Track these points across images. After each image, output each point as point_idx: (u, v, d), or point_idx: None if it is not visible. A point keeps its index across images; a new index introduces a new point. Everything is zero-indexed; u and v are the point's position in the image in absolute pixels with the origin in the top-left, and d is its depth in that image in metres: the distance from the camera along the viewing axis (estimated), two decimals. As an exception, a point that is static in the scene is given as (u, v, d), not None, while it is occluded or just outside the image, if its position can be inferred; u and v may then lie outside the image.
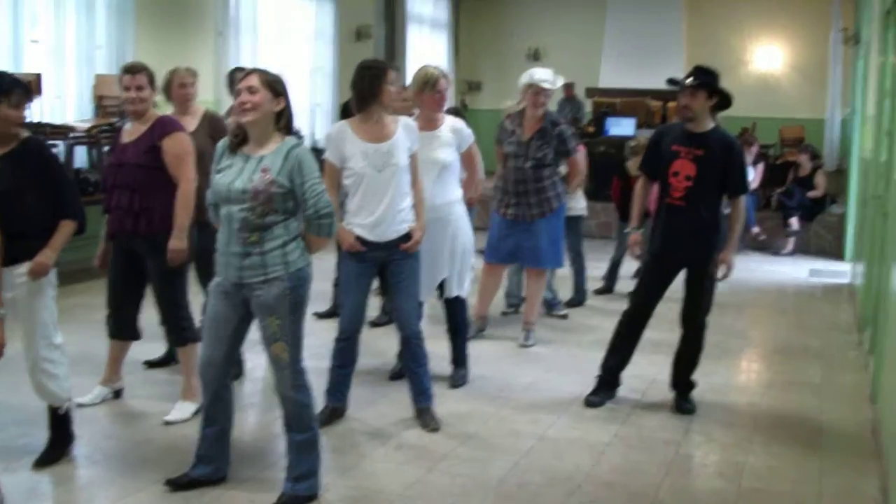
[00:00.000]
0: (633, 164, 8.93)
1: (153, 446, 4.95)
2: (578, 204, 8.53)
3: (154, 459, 4.75)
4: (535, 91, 6.77)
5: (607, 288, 9.23)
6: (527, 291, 7.39)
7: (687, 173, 5.48)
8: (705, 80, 5.49)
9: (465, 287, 6.06)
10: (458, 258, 5.96)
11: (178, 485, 4.36)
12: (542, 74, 6.85)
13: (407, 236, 5.16)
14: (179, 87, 5.99)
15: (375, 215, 5.06)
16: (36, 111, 8.86)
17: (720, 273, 5.63)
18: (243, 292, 4.14)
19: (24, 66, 9.06)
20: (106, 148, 8.62)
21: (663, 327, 6.25)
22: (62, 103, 9.66)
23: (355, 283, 5.24)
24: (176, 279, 5.33)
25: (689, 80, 5.47)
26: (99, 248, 5.46)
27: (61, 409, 4.69)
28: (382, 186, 5.04)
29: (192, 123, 5.85)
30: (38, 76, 8.87)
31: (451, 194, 5.91)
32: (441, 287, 5.99)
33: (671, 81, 5.68)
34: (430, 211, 5.63)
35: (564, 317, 8.10)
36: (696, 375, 5.84)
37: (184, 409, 5.35)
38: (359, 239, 5.09)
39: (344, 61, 14.56)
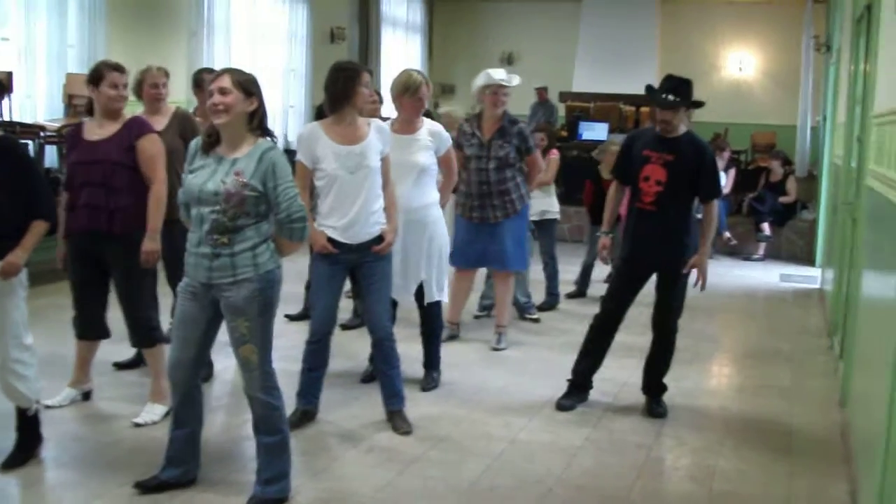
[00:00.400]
0: (604, 167, 8.98)
1: (122, 448, 4.90)
2: (552, 207, 8.55)
3: (123, 462, 4.70)
4: (494, 90, 6.77)
5: (580, 292, 9.26)
6: (496, 295, 7.40)
7: (657, 178, 5.50)
8: (686, 96, 5.50)
9: (444, 291, 6.07)
10: (436, 261, 5.96)
11: (147, 487, 4.32)
12: (499, 74, 6.84)
13: (379, 238, 5.15)
14: (151, 87, 5.95)
15: (348, 217, 5.05)
16: (6, 110, 8.78)
17: (693, 281, 5.63)
18: (212, 293, 4.11)
19: (-7, 65, 9.00)
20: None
21: (635, 331, 6.26)
22: (32, 102, 9.59)
23: (327, 285, 5.22)
24: (145, 279, 5.29)
25: (670, 98, 5.46)
26: (59, 248, 5.36)
27: (30, 411, 4.64)
28: (355, 188, 5.03)
29: (161, 122, 5.82)
30: (9, 74, 8.79)
31: (429, 197, 5.90)
32: (418, 290, 5.97)
33: (650, 89, 5.68)
34: (408, 213, 5.67)
35: (537, 320, 8.10)
36: (667, 379, 5.86)
37: (153, 412, 5.30)
38: (330, 241, 5.08)
39: (317, 63, 14.54)
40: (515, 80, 6.83)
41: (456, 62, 19.78)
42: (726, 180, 12.75)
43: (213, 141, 4.08)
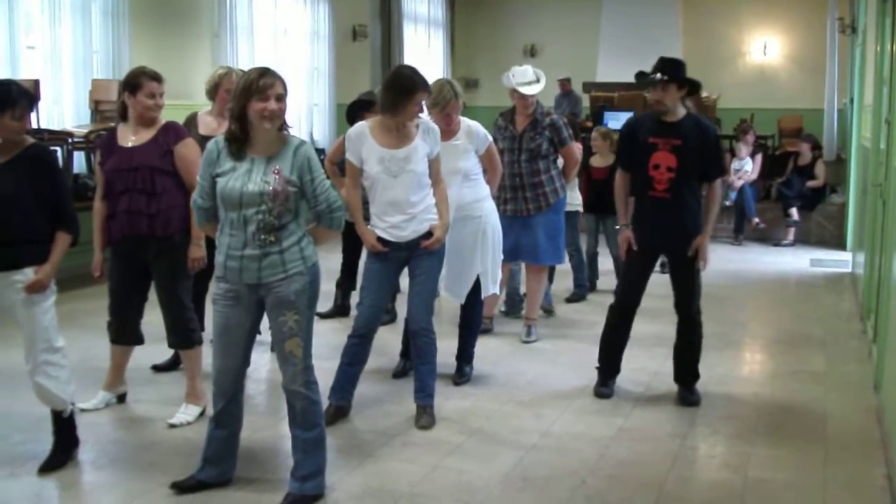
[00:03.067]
0: (598, 156, 8.97)
1: (158, 450, 4.94)
2: (574, 200, 8.52)
3: (159, 463, 4.74)
4: (520, 96, 6.78)
5: (592, 285, 9.08)
6: (527, 288, 7.39)
7: (668, 165, 5.50)
8: (673, 73, 5.50)
9: (498, 283, 6.13)
10: (491, 253, 6.02)
11: (184, 488, 4.35)
12: (521, 77, 6.78)
13: (428, 234, 5.19)
14: (226, 91, 5.96)
15: (393, 218, 5.12)
16: (33, 117, 8.85)
17: (699, 263, 5.62)
18: (259, 293, 4.13)
19: (21, 73, 9.06)
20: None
21: (665, 321, 6.24)
22: (59, 109, 9.67)
23: (376, 283, 5.27)
24: (185, 281, 5.34)
25: (658, 76, 5.48)
26: (95, 256, 5.39)
27: (64, 413, 4.69)
28: (399, 190, 5.09)
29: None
30: (36, 82, 8.86)
31: (479, 192, 6.02)
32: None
33: (640, 75, 5.68)
34: (459, 210, 5.78)
35: (550, 312, 8.06)
36: (701, 367, 5.83)
37: (188, 412, 5.35)
38: (380, 240, 5.12)
39: (340, 61, 14.57)
40: (538, 88, 6.76)
41: (479, 56, 19.76)
42: (753, 166, 12.69)
43: (242, 141, 4.08)
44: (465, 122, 5.99)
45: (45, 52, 9.53)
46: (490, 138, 6.11)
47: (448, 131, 5.81)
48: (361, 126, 5.20)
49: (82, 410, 5.46)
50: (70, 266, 5.42)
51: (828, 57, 14.43)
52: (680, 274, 5.70)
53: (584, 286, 8.73)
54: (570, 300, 8.47)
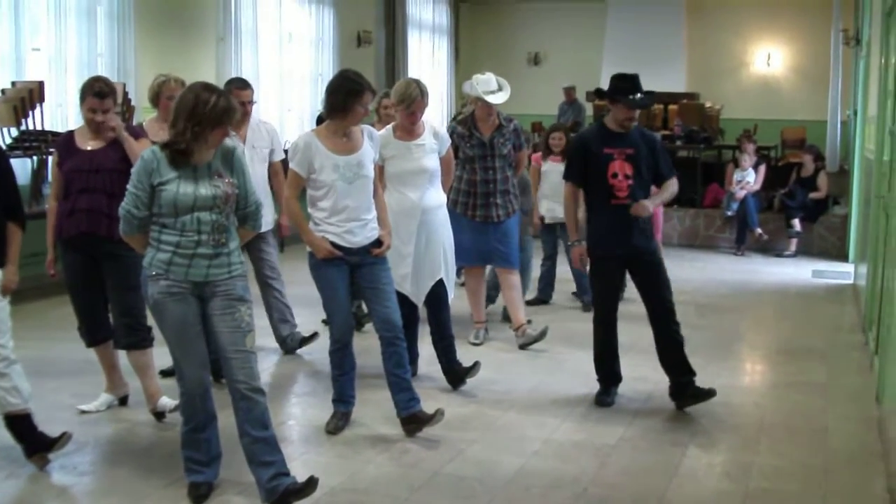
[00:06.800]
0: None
1: (159, 453, 4.94)
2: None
3: (159, 466, 4.74)
4: (484, 104, 6.76)
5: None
6: (505, 297, 7.33)
7: (625, 172, 5.70)
8: (651, 94, 5.83)
9: (452, 291, 6.16)
10: (450, 260, 6.08)
11: (204, 496, 4.34)
12: (485, 86, 6.75)
13: (377, 242, 5.20)
14: (168, 98, 5.95)
15: (347, 224, 5.10)
16: (37, 119, 8.86)
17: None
18: (203, 291, 4.20)
19: (26, 75, 9.07)
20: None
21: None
22: (63, 111, 9.66)
23: (340, 291, 5.21)
24: (138, 283, 5.35)
25: (640, 97, 5.71)
26: (49, 255, 5.41)
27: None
28: (353, 196, 5.09)
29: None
30: (41, 84, 8.87)
31: (440, 198, 6.06)
32: (428, 298, 6.03)
33: (605, 92, 5.82)
34: (423, 214, 5.85)
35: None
36: (702, 378, 5.82)
37: (168, 404, 5.37)
38: (332, 244, 5.10)
39: (345, 67, 14.54)
40: (501, 98, 6.74)
41: (483, 63, 19.66)
42: (756, 176, 12.69)
43: (186, 152, 4.12)
44: (430, 122, 6.04)
45: (49, 55, 9.53)
46: (449, 142, 6.17)
47: (413, 131, 5.85)
48: (308, 136, 5.17)
49: (83, 412, 5.49)
50: (59, 270, 5.42)
51: (831, 68, 14.42)
52: (651, 275, 5.78)
53: (589, 293, 8.68)
54: (584, 308, 8.43)
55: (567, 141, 8.62)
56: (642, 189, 5.75)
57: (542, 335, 7.03)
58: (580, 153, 5.85)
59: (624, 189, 5.67)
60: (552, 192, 8.46)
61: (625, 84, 5.71)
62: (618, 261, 5.81)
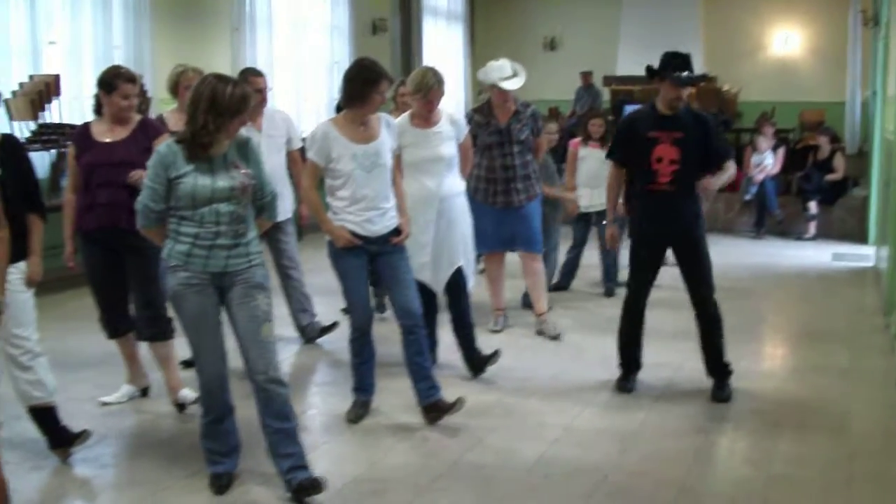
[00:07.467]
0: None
1: (180, 444, 4.95)
2: (599, 199, 8.49)
3: (181, 457, 4.75)
4: (499, 91, 6.72)
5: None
6: (528, 282, 7.32)
7: (671, 157, 5.53)
8: (701, 74, 5.64)
9: (472, 279, 6.14)
10: (469, 248, 6.06)
11: (226, 487, 4.35)
12: (500, 72, 6.70)
13: (396, 231, 5.19)
14: (186, 88, 5.96)
15: (366, 213, 5.09)
16: (55, 112, 8.89)
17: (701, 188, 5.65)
18: (222, 281, 4.20)
19: (42, 68, 9.10)
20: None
21: (686, 314, 6.20)
22: (80, 104, 9.68)
23: (357, 279, 5.21)
24: (159, 275, 5.36)
25: (688, 75, 5.51)
26: (67, 248, 5.42)
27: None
28: (371, 185, 5.07)
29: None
30: (57, 77, 8.90)
31: (459, 186, 6.02)
32: (448, 285, 6.01)
33: (654, 70, 5.63)
34: (441, 202, 5.81)
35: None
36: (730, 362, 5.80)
37: (188, 396, 5.39)
38: (352, 233, 5.10)
39: (360, 55, 14.51)
40: (516, 84, 6.69)
41: (498, 50, 19.54)
42: (775, 159, 12.62)
43: (207, 145, 4.11)
44: (447, 110, 6.01)
45: (65, 47, 9.56)
46: (467, 128, 6.12)
47: (429, 119, 5.82)
48: (325, 125, 5.16)
49: (105, 404, 5.51)
50: (78, 262, 5.44)
51: (850, 49, 14.36)
52: (688, 266, 5.69)
53: (613, 281, 8.67)
54: (607, 294, 8.48)
55: (606, 127, 8.64)
56: (690, 174, 5.57)
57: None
58: (625, 134, 5.77)
59: (667, 175, 5.53)
60: (588, 179, 8.42)
61: (675, 61, 5.53)
62: (654, 247, 5.73)
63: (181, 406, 5.40)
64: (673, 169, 5.52)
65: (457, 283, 6.01)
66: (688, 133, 5.53)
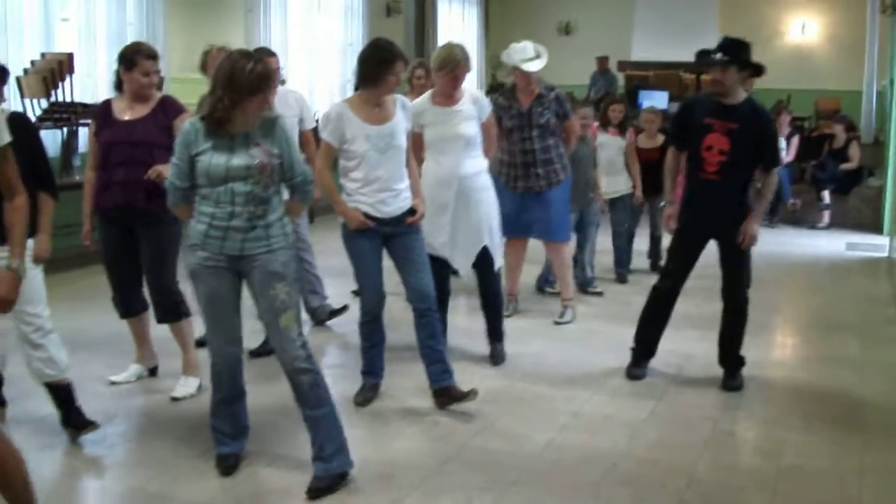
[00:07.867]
0: (645, 136, 8.84)
1: (187, 424, 4.95)
2: (617, 185, 8.48)
3: (188, 437, 4.75)
4: (522, 73, 6.66)
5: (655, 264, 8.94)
6: (554, 268, 7.33)
7: (721, 147, 5.38)
8: (736, 56, 5.35)
9: (499, 258, 6.08)
10: (493, 224, 5.98)
11: (233, 467, 4.35)
12: (521, 54, 6.62)
13: (411, 211, 5.15)
14: (212, 67, 5.97)
15: (380, 194, 5.05)
16: (68, 91, 8.87)
17: (740, 241, 5.50)
18: (240, 265, 4.14)
19: (55, 46, 9.08)
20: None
21: (698, 302, 6.19)
22: (94, 82, 9.67)
23: (371, 262, 5.18)
24: (175, 255, 5.36)
25: (718, 56, 5.34)
26: (85, 226, 5.40)
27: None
28: (385, 166, 5.03)
29: None
30: (70, 55, 8.88)
31: (479, 165, 5.92)
32: (477, 261, 5.95)
33: (702, 54, 5.53)
34: (460, 182, 5.73)
35: (599, 293, 8.04)
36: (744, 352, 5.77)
37: (189, 385, 5.39)
38: (365, 215, 5.07)
39: (374, 37, 14.47)
40: (540, 64, 6.62)
41: (513, 33, 19.39)
42: (788, 148, 12.54)
43: (223, 120, 4.05)
44: (470, 89, 5.94)
45: (79, 25, 9.53)
46: (490, 108, 6.02)
47: (452, 96, 5.76)
48: (340, 106, 5.12)
49: (113, 383, 5.51)
50: (94, 240, 5.42)
51: (867, 37, 14.26)
52: (727, 260, 5.59)
53: (625, 268, 8.67)
54: (619, 280, 8.51)
55: (626, 113, 8.60)
56: (737, 169, 5.40)
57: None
58: (680, 118, 5.69)
59: (714, 164, 5.39)
60: (606, 166, 8.37)
61: (718, 45, 5.37)
62: (694, 235, 5.60)
63: (173, 398, 5.35)
64: (720, 160, 5.38)
65: (484, 258, 5.97)
66: (742, 125, 5.35)
